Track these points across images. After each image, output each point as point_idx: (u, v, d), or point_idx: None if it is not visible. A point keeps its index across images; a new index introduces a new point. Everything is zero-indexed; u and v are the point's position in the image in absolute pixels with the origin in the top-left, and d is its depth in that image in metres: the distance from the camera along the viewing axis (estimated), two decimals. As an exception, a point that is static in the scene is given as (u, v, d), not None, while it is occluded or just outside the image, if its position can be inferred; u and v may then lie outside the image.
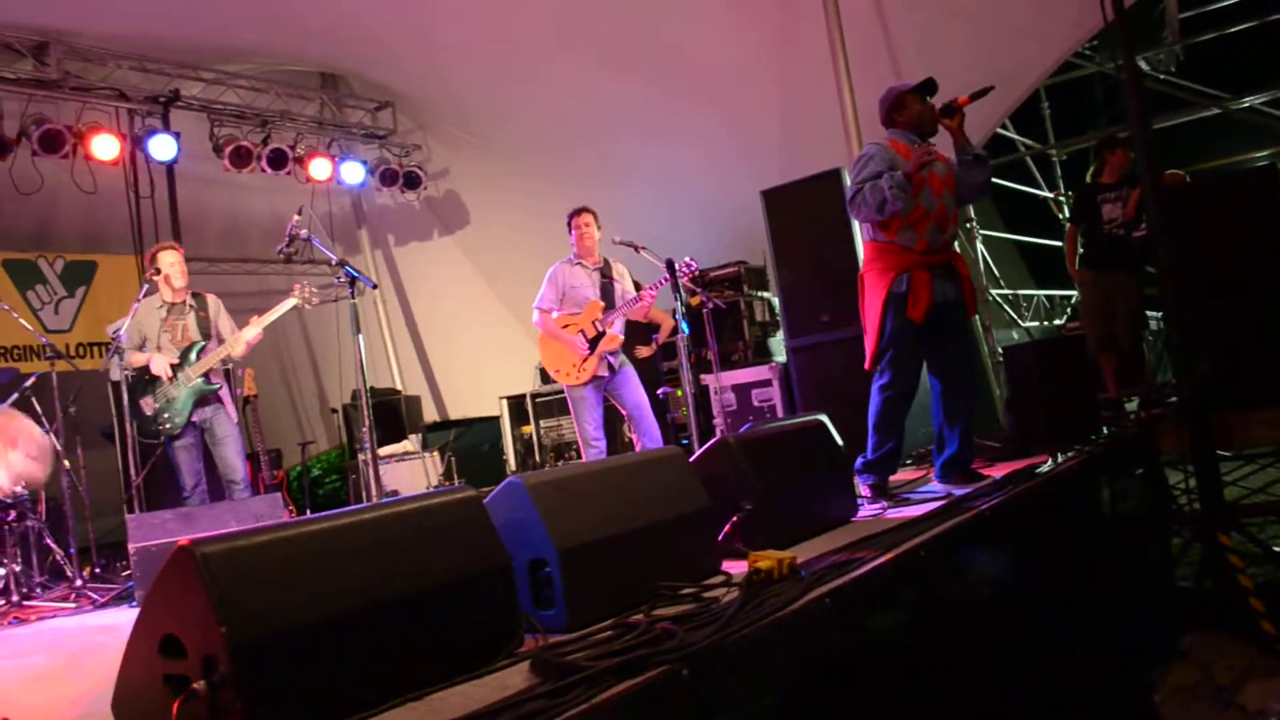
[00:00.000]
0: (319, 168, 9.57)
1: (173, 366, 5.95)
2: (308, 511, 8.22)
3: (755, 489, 3.63)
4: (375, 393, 6.88)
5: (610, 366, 6.00)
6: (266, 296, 6.13)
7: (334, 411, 10.67)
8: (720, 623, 2.52)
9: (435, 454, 8.74)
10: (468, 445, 9.50)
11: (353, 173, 9.89)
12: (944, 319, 4.59)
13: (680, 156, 8.77)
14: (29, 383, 6.51)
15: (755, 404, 7.42)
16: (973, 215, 9.85)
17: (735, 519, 3.57)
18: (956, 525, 3.54)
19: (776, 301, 7.54)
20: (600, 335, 5.98)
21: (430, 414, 11.07)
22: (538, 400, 9.32)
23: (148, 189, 8.84)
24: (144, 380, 5.95)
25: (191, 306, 6.14)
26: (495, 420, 9.85)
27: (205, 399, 6.01)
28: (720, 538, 3.47)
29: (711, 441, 3.83)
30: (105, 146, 8.12)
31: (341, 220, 11.09)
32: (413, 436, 9.35)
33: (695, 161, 8.73)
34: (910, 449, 5.99)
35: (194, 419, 5.97)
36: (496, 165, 9.96)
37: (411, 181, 10.21)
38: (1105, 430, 5.71)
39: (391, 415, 9.60)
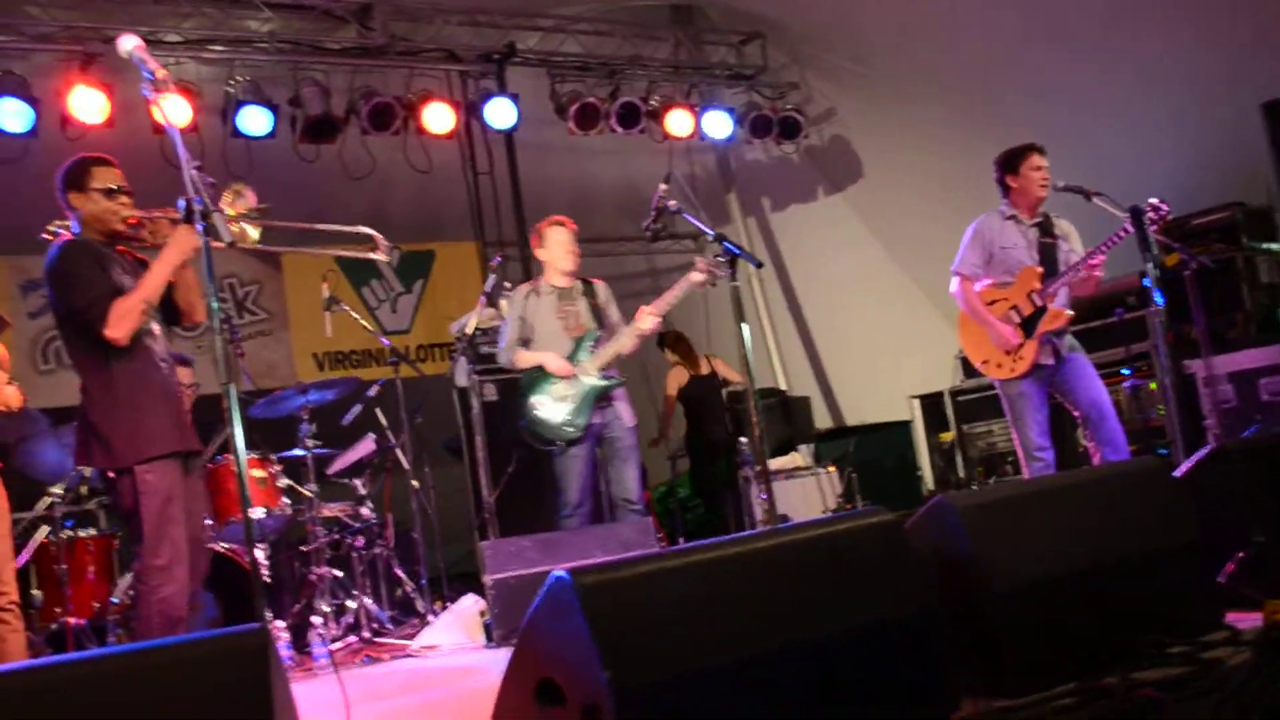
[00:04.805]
0: (678, 121, 9.95)
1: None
2: (681, 539, 8.64)
3: (1269, 515, 3.44)
4: (756, 394, 7.08)
5: (1056, 352, 5.84)
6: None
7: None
8: (1227, 692, 2.44)
9: (831, 469, 8.87)
10: (870, 458, 9.53)
11: (718, 124, 10.19)
12: None
13: (1140, 68, 8.32)
14: (372, 391, 7.30)
15: (1264, 398, 6.93)
16: None
17: (1241, 555, 3.40)
18: None
19: (1290, 255, 7.00)
20: (1039, 311, 5.83)
21: (822, 419, 11.21)
22: (960, 399, 9.19)
23: (485, 164, 9.65)
24: (533, 379, 6.41)
25: (583, 292, 6.62)
26: (905, 426, 9.84)
27: (604, 398, 6.44)
28: (1221, 580, 3.33)
29: (1203, 451, 3.67)
30: (439, 117, 8.92)
31: (705, 183, 11.48)
32: (802, 448, 9.55)
33: (1161, 72, 8.25)
34: None
35: (594, 421, 6.39)
36: (897, 101, 9.92)
37: (789, 129, 10.36)
38: None
39: (776, 422, 9.85)
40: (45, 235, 4.46)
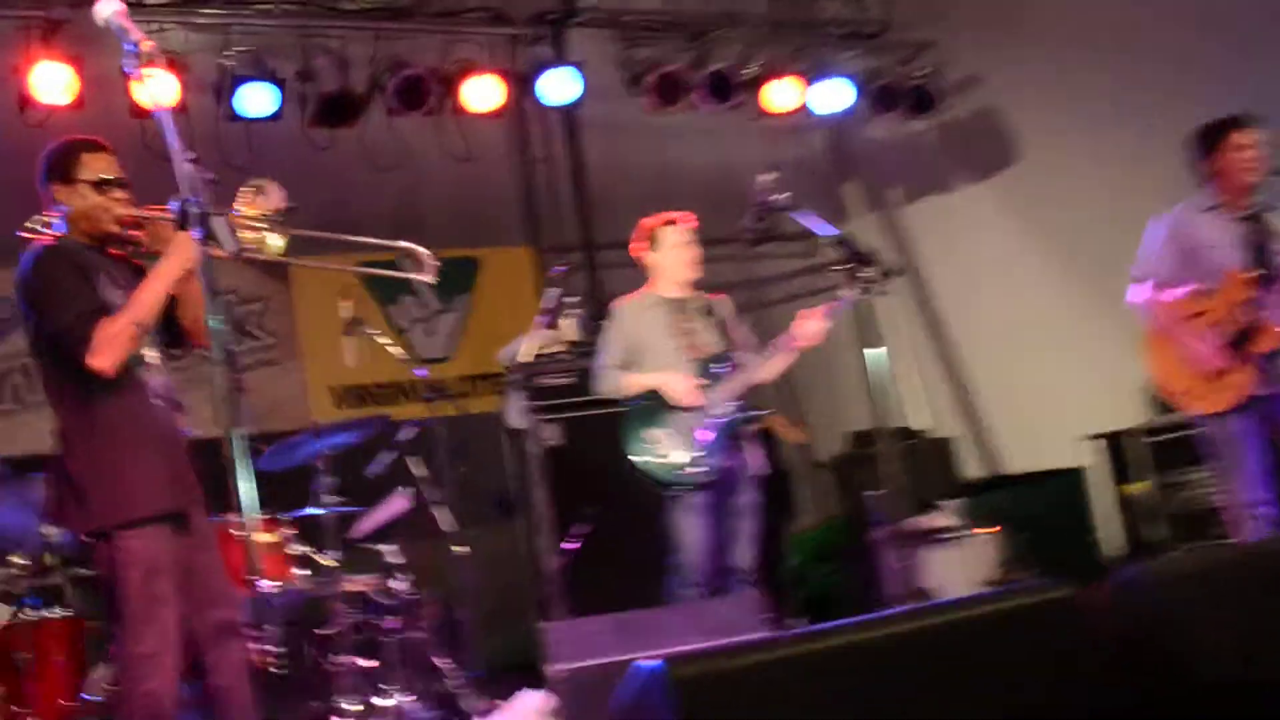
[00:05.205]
0: (783, 93, 9.92)
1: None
2: (791, 619, 8.57)
3: None
4: (889, 436, 7.00)
5: (1274, 380, 5.78)
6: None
7: (821, 466, 11.05)
8: None
9: (985, 530, 8.78)
10: (1034, 514, 9.43)
11: (834, 95, 10.14)
12: None
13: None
14: (405, 434, 7.31)
15: None
16: None
17: None
18: None
19: None
20: (1251, 327, 5.78)
21: (972, 467, 11.11)
22: (1152, 440, 9.07)
23: (541, 149, 9.71)
24: (646, 407, 6.44)
25: (704, 307, 6.65)
26: (1078, 474, 9.73)
27: (737, 436, 6.45)
28: None
29: None
30: (483, 93, 8.97)
31: (816, 170, 11.44)
32: (947, 503, 9.46)
33: None
34: None
35: (725, 463, 6.38)
36: (1059, 64, 9.86)
37: (922, 102, 10.31)
38: None
39: (913, 471, 9.76)
40: (24, 234, 4.47)
